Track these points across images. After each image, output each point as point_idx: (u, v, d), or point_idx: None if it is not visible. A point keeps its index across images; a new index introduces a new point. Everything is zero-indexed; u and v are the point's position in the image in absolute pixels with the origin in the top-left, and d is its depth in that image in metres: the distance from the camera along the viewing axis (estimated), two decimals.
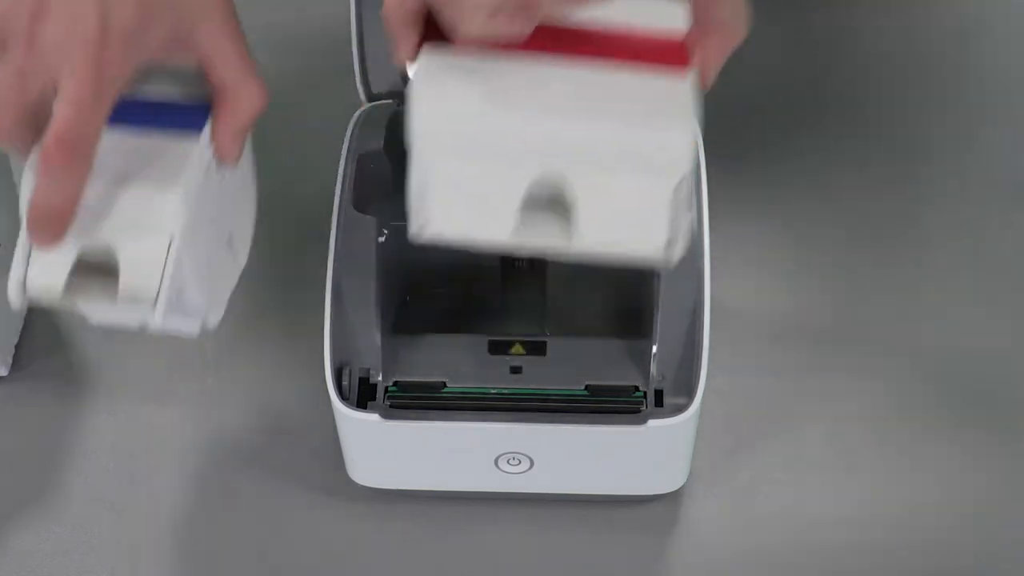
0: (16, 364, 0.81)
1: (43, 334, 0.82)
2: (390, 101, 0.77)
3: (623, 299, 0.77)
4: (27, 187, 0.61)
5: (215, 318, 0.70)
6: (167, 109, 0.65)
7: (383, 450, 0.71)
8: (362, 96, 0.77)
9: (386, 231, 0.73)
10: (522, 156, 0.62)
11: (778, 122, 0.88)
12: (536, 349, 0.71)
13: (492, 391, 0.69)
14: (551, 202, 0.63)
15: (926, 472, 0.76)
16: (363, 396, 0.69)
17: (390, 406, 0.69)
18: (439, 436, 0.69)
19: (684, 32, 0.64)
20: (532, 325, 0.76)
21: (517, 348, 0.71)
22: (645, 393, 0.69)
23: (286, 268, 0.83)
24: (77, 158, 0.58)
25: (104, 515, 0.75)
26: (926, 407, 0.78)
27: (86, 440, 0.78)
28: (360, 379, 0.70)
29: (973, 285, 0.83)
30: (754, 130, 0.88)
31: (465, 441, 0.69)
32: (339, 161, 0.73)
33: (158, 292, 0.63)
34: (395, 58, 0.63)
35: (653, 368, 0.69)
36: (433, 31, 0.62)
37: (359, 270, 0.70)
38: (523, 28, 0.60)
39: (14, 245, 0.62)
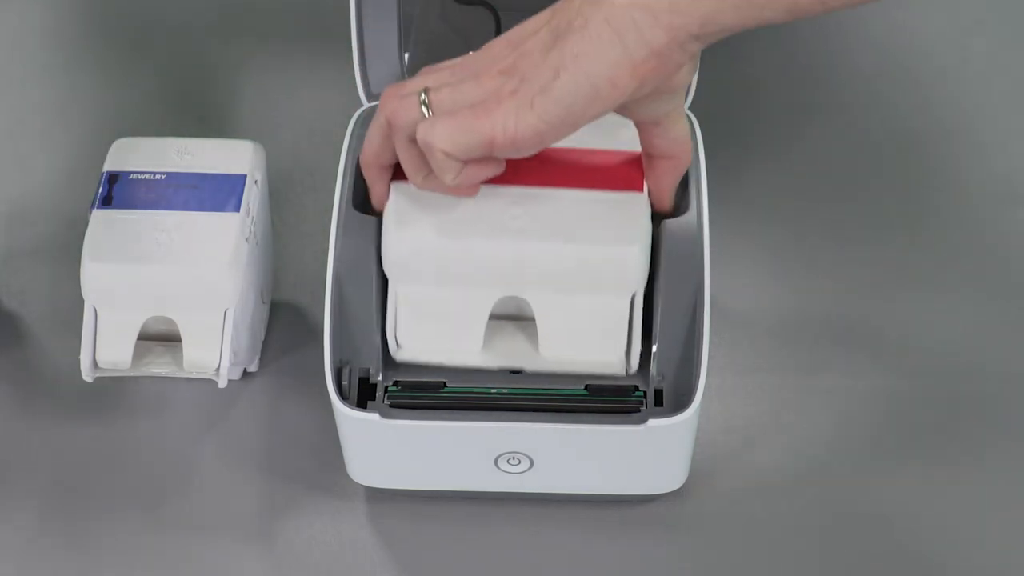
0: None
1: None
2: None
3: None
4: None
5: (255, 361, 0.78)
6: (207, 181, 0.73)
7: (383, 450, 0.71)
8: (362, 96, 0.77)
9: None
10: (485, 280, 0.68)
11: (778, 122, 0.88)
12: None
13: (492, 391, 0.69)
14: (515, 322, 0.70)
15: (927, 471, 0.76)
16: (363, 396, 0.70)
17: (390, 406, 0.69)
18: (439, 436, 0.69)
19: (639, 155, 0.69)
20: None
21: None
22: (645, 393, 0.69)
23: (286, 268, 0.83)
24: None
25: (103, 514, 0.75)
26: (927, 406, 0.78)
27: (83, 442, 0.78)
28: (360, 379, 0.70)
29: (974, 284, 0.83)
30: (754, 130, 0.88)
31: (465, 441, 0.69)
32: (339, 161, 0.73)
33: (219, 360, 0.71)
34: (372, 201, 0.70)
35: (653, 368, 0.69)
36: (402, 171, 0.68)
37: (359, 270, 0.70)
38: (494, 171, 0.66)
39: None
